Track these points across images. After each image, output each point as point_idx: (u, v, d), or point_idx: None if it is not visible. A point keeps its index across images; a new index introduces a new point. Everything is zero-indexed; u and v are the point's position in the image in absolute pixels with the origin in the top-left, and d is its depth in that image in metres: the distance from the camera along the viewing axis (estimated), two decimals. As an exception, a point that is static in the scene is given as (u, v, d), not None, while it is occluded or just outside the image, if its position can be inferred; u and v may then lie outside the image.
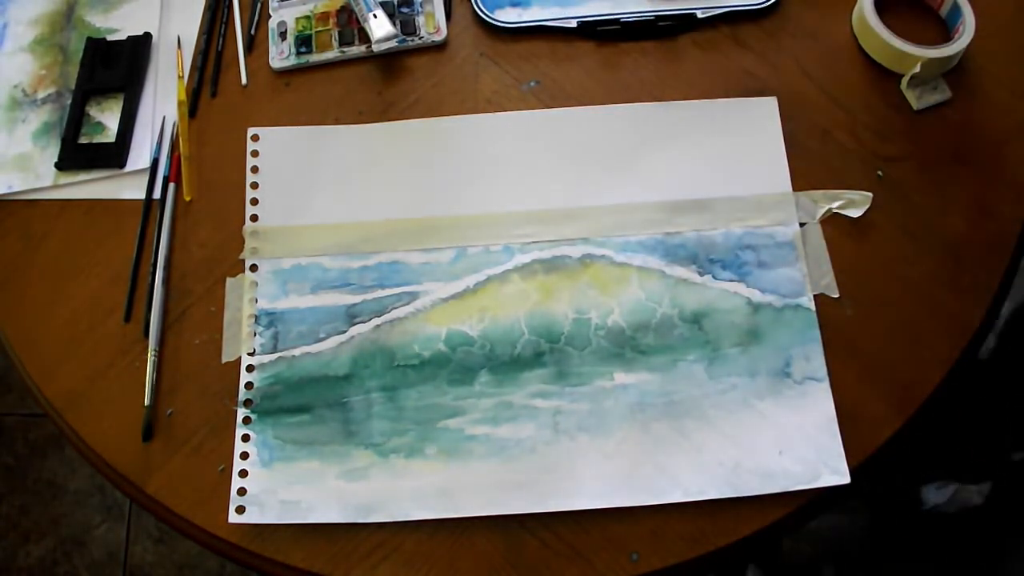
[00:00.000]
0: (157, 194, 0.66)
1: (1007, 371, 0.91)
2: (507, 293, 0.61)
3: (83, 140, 0.68)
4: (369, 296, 0.62)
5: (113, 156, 0.67)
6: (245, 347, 0.61)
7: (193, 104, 0.70)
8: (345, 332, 0.61)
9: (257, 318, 0.62)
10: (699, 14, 0.69)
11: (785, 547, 1.20)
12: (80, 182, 0.67)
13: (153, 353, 0.61)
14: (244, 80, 0.70)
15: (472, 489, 0.56)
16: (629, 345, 0.59)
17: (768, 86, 0.67)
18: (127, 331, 0.62)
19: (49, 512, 1.33)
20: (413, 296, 0.62)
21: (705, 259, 0.62)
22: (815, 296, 0.60)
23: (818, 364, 0.58)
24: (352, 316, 0.61)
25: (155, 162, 0.67)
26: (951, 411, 0.97)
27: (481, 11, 0.70)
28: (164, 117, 0.69)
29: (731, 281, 0.61)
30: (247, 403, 0.59)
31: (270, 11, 0.72)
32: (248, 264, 0.63)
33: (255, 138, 0.67)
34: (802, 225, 0.63)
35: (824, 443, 0.56)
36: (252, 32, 0.72)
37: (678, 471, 0.56)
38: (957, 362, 0.59)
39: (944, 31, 0.68)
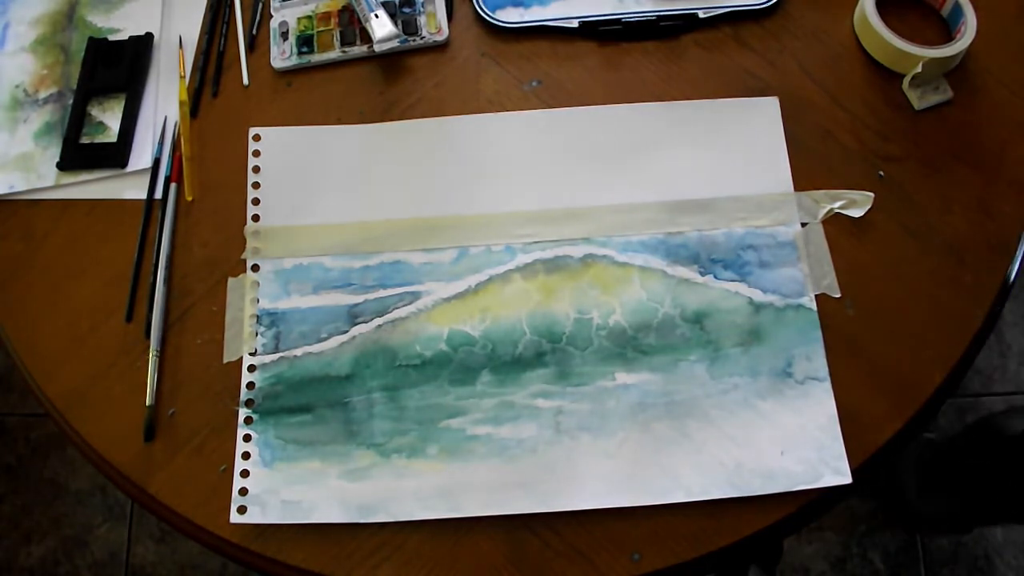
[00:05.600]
0: (159, 194, 0.66)
1: None
2: (509, 293, 0.61)
3: (85, 140, 0.68)
4: (371, 296, 0.62)
5: (115, 156, 0.67)
6: (247, 347, 0.61)
7: (195, 104, 0.70)
8: (347, 332, 0.61)
9: (259, 318, 0.62)
10: (701, 14, 0.69)
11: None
12: (82, 182, 0.67)
13: (155, 353, 0.61)
14: (246, 80, 0.70)
15: (474, 489, 0.56)
16: (631, 345, 0.59)
17: (770, 86, 0.67)
18: (129, 331, 0.62)
19: (51, 512, 1.33)
20: (415, 296, 0.62)
21: (707, 259, 0.62)
22: (816, 296, 0.60)
23: (819, 364, 0.58)
24: (354, 316, 0.61)
25: (156, 162, 0.67)
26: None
27: (483, 11, 0.70)
28: (166, 117, 0.69)
29: (733, 281, 0.61)
30: (249, 403, 0.59)
31: (272, 11, 0.72)
32: (250, 264, 0.63)
33: (256, 138, 0.67)
34: (804, 225, 0.63)
35: (826, 443, 0.56)
36: (254, 32, 0.72)
37: (680, 471, 0.56)
38: (958, 362, 0.59)
39: (946, 31, 0.68)
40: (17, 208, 0.67)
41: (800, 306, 0.60)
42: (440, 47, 0.71)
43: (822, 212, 0.63)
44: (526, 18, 0.70)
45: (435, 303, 0.61)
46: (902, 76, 0.66)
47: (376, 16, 0.68)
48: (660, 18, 0.69)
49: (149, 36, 0.72)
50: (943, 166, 0.64)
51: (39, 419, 1.38)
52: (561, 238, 0.63)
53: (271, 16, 0.72)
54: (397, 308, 0.61)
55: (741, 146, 0.65)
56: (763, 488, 0.55)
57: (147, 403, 0.59)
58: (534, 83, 0.68)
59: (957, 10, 0.67)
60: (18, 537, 1.32)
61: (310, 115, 0.68)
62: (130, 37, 0.72)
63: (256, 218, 0.65)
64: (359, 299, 0.62)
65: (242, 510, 0.56)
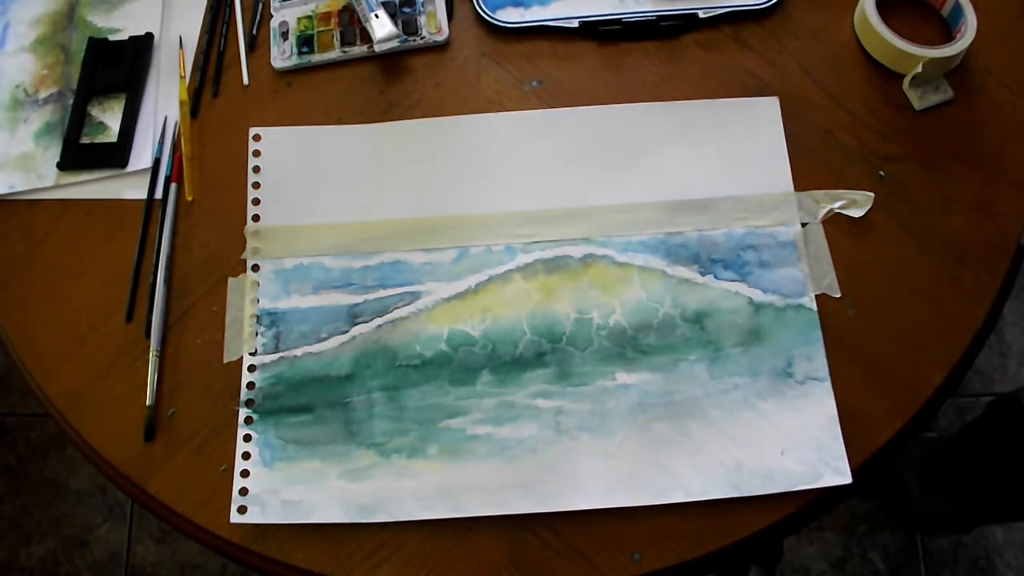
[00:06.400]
0: (159, 194, 0.66)
1: None
2: (509, 293, 0.61)
3: (85, 140, 0.68)
4: (371, 296, 0.62)
5: (115, 156, 0.67)
6: (247, 347, 0.61)
7: (195, 104, 0.70)
8: (347, 332, 0.61)
9: (259, 318, 0.62)
10: (701, 14, 0.69)
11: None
12: (82, 182, 0.67)
13: (155, 353, 0.61)
14: (246, 80, 0.70)
15: (474, 489, 0.56)
16: (631, 345, 0.59)
17: (770, 86, 0.67)
18: (129, 331, 0.62)
19: (51, 512, 1.33)
20: (415, 296, 0.62)
21: (707, 259, 0.62)
22: (817, 296, 0.60)
23: (820, 364, 0.58)
24: (354, 316, 0.61)
25: (157, 162, 0.67)
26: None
27: (483, 11, 0.70)
28: (166, 117, 0.69)
29: (733, 281, 0.61)
30: (249, 403, 0.59)
31: (272, 11, 0.72)
32: (250, 264, 0.63)
33: (257, 138, 0.67)
34: (804, 225, 0.63)
35: (826, 443, 0.56)
36: (254, 32, 0.72)
37: (680, 471, 0.56)
38: (958, 362, 0.59)
39: (946, 31, 0.68)
40: (17, 208, 0.67)
41: (800, 306, 0.60)
42: (440, 47, 0.71)
43: (822, 212, 0.63)
44: (526, 18, 0.70)
45: (435, 303, 0.61)
46: (902, 76, 0.66)
47: (376, 16, 0.68)
48: (660, 18, 0.69)
49: (149, 36, 0.72)
50: (943, 166, 0.64)
51: (39, 419, 1.38)
52: (561, 238, 0.63)
53: (271, 16, 0.72)
54: (397, 308, 0.61)
55: (741, 146, 0.65)
56: (763, 488, 0.55)
57: (147, 403, 0.59)
58: (534, 83, 0.69)
59: (957, 10, 0.67)
60: (18, 537, 1.32)
61: (310, 115, 0.68)
62: (130, 37, 0.72)
63: (256, 218, 0.65)
64: (359, 299, 0.62)
65: (242, 510, 0.56)
